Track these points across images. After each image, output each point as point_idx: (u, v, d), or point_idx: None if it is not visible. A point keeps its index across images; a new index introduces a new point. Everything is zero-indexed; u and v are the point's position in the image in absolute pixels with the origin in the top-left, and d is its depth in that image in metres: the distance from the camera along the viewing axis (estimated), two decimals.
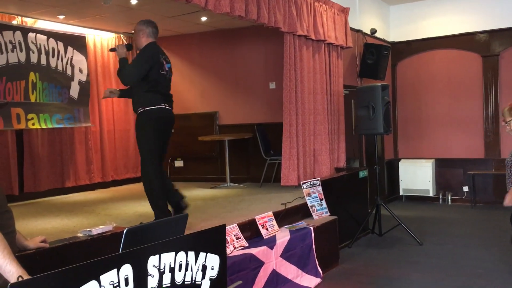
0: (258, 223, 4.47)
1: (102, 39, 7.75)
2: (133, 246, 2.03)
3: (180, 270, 2.16)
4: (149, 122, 4.26)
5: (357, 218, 6.38)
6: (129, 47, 4.69)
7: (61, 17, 6.60)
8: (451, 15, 8.80)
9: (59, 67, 6.79)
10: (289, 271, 4.48)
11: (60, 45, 6.81)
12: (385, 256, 5.66)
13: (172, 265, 2.12)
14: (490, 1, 8.43)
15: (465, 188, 8.66)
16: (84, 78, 7.14)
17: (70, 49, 6.94)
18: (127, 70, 4.33)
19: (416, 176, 8.92)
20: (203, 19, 6.99)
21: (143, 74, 4.21)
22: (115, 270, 1.88)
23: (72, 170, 7.16)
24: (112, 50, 4.84)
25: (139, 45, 4.40)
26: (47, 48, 6.61)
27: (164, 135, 4.38)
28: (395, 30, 9.34)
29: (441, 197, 8.92)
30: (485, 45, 8.53)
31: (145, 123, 4.28)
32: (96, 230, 3.42)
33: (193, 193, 6.68)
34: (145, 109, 4.28)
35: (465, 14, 8.68)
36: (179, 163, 8.23)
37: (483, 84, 8.57)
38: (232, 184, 7.19)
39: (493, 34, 8.44)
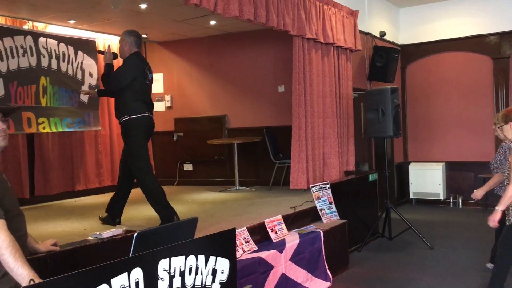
0: (267, 226, 4.46)
1: (112, 44, 7.79)
2: (143, 250, 2.04)
3: (190, 274, 2.16)
4: (137, 129, 4.44)
5: (367, 222, 6.35)
6: (115, 55, 4.85)
7: (72, 21, 6.65)
8: (461, 17, 8.75)
9: (70, 71, 6.84)
10: (299, 275, 4.47)
11: (71, 50, 6.86)
12: (395, 260, 5.62)
13: (182, 269, 2.13)
14: (500, 3, 8.37)
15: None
16: (94, 82, 7.18)
17: (80, 53, 6.99)
18: (112, 77, 4.58)
19: (426, 179, 8.85)
20: (212, 23, 7.01)
21: (125, 84, 4.43)
22: (126, 273, 1.88)
23: (82, 173, 7.20)
24: (100, 52, 5.01)
25: (122, 55, 4.63)
26: (57, 52, 6.66)
27: (147, 141, 4.68)
28: (404, 32, 9.30)
29: (451, 200, 8.84)
30: (495, 47, 8.47)
31: (133, 131, 4.45)
32: (106, 234, 3.44)
33: (202, 197, 6.69)
34: (131, 117, 4.43)
35: (475, 16, 8.62)
36: (188, 167, 8.25)
37: (493, 87, 8.50)
38: (241, 187, 7.19)
39: (503, 36, 8.37)
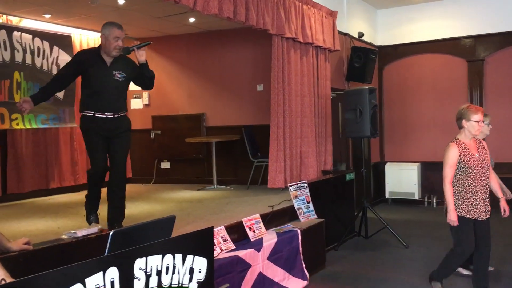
0: (245, 225, 4.46)
1: (88, 39, 7.68)
2: (119, 249, 2.01)
3: (167, 273, 2.14)
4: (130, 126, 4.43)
5: (344, 221, 6.40)
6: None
7: (47, 16, 6.52)
8: (437, 20, 8.89)
9: (44, 67, 6.71)
10: (276, 273, 4.47)
11: (46, 45, 6.73)
12: (371, 258, 5.68)
13: (159, 268, 2.10)
14: (475, 6, 8.54)
15: None
16: None
17: (55, 48, 6.87)
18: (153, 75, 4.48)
19: (402, 179, 8.98)
20: (191, 20, 6.96)
21: None
22: (101, 273, 1.85)
23: (57, 171, 7.07)
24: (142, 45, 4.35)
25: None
26: (32, 47, 6.53)
27: None
28: (382, 34, 9.41)
29: (426, 200, 8.99)
30: (470, 50, 8.64)
31: (130, 127, 4.41)
32: (81, 232, 3.38)
33: (179, 195, 6.65)
34: (126, 113, 4.40)
35: (451, 19, 8.78)
36: (165, 165, 8.18)
37: (468, 89, 8.67)
38: (219, 186, 7.17)
39: (478, 39, 8.54)
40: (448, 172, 4.09)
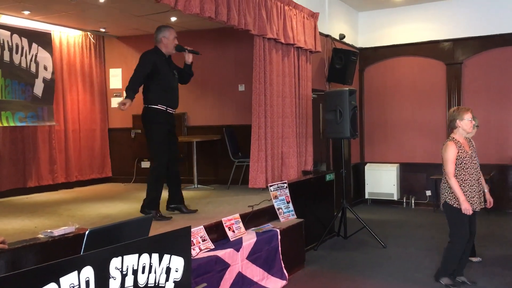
0: (224, 225, 4.46)
1: (68, 37, 7.60)
2: (95, 248, 2.00)
3: (143, 272, 2.14)
4: None
5: (323, 221, 6.45)
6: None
7: (26, 12, 6.42)
8: (417, 23, 9.02)
9: (23, 64, 6.61)
10: (255, 273, 4.49)
11: (25, 42, 6.63)
12: (349, 258, 5.73)
13: (135, 267, 2.10)
14: (454, 10, 8.68)
15: (428, 192, 8.88)
16: (49, 76, 6.97)
17: (34, 45, 6.77)
18: None
19: (381, 180, 9.09)
20: (173, 19, 6.93)
21: None
22: (76, 272, 1.84)
23: (34, 169, 6.98)
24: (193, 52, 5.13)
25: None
26: (10, 44, 6.42)
27: None
28: (363, 36, 9.50)
29: (405, 200, 9.11)
30: (449, 53, 8.78)
31: None
32: (57, 231, 3.34)
33: None
34: None
35: (430, 23, 8.91)
36: (146, 164, 8.12)
37: (446, 91, 8.81)
38: (199, 185, 7.15)
39: (457, 42, 8.69)
40: (451, 168, 4.41)
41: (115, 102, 8.32)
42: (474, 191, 4.44)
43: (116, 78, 8.30)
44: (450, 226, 4.54)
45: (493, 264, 5.29)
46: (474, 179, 4.45)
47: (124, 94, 4.68)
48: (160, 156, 4.77)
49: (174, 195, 5.04)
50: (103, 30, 7.73)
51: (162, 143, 4.76)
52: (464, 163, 4.42)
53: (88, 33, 7.87)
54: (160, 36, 4.89)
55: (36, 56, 6.79)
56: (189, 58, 5.09)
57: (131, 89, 4.64)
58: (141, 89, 4.82)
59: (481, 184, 4.60)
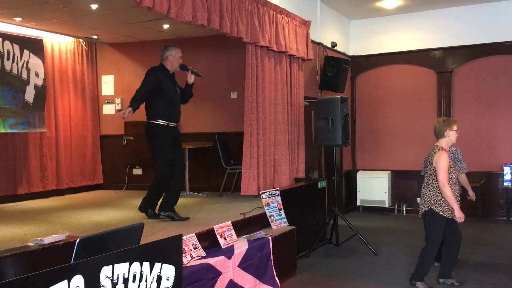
0: (216, 232, 4.45)
1: (60, 43, 7.58)
2: (86, 256, 1.99)
3: (134, 281, 2.13)
4: None
5: (315, 228, 6.45)
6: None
7: (18, 19, 6.40)
8: (408, 31, 9.10)
9: (14, 71, 6.59)
10: (247, 281, 4.48)
11: (16, 48, 6.61)
12: (341, 266, 5.74)
13: (126, 276, 2.09)
14: (444, 20, 8.78)
15: (419, 200, 8.88)
16: (40, 83, 6.95)
17: (26, 52, 6.75)
18: None
19: (373, 187, 9.12)
20: (166, 26, 6.94)
21: None
22: (66, 281, 1.83)
23: (25, 176, 6.93)
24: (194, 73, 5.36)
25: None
26: (1, 50, 6.40)
27: None
28: (355, 44, 9.57)
29: (396, 208, 9.14)
30: (439, 61, 8.86)
31: None
32: (48, 239, 3.31)
33: None
34: None
35: (421, 32, 9.00)
36: (137, 171, 8.10)
37: (437, 99, 8.89)
38: (191, 192, 7.14)
39: (447, 51, 8.78)
40: (445, 177, 4.53)
41: (107, 109, 8.30)
42: (456, 197, 4.63)
43: (108, 85, 8.28)
44: (429, 232, 4.73)
45: (477, 267, 5.43)
46: (456, 188, 4.65)
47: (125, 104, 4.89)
48: (163, 168, 5.02)
49: (169, 199, 5.18)
50: (95, 37, 7.72)
51: (165, 155, 5.01)
52: (450, 172, 4.60)
53: (80, 39, 7.86)
54: (167, 54, 5.15)
55: (27, 62, 6.77)
56: (191, 78, 5.28)
57: (137, 100, 4.93)
58: (144, 103, 5.16)
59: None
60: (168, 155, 5.02)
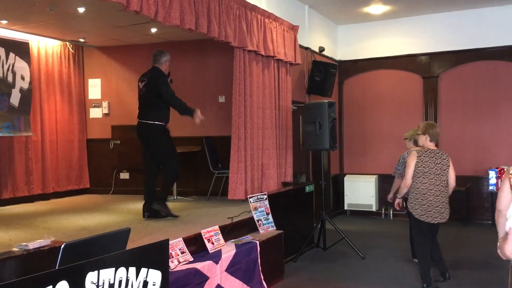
0: (204, 237, 4.44)
1: (47, 46, 7.52)
2: (71, 262, 1.97)
3: (120, 286, 2.11)
4: None
5: (303, 232, 6.46)
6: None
7: (4, 22, 6.34)
8: (395, 37, 9.19)
9: (0, 74, 6.52)
10: (234, 285, 4.47)
11: (1, 51, 6.55)
12: (329, 270, 5.75)
13: (112, 281, 2.07)
14: (431, 25, 8.88)
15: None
16: (26, 86, 6.89)
17: (12, 55, 6.69)
18: None
19: (360, 191, 9.16)
20: (153, 30, 6.93)
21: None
22: (51, 287, 1.81)
23: (10, 181, 6.84)
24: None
25: None
26: None
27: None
28: (342, 49, 9.63)
29: (383, 212, 9.20)
30: (426, 67, 8.96)
31: None
32: (33, 245, 3.27)
33: (138, 206, 6.52)
34: None
35: (408, 37, 9.09)
36: (124, 175, 8.05)
37: (423, 104, 8.97)
38: (179, 197, 7.11)
39: (433, 56, 8.87)
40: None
41: (93, 112, 8.25)
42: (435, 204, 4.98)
43: (95, 89, 8.23)
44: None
45: (458, 268, 5.51)
46: (432, 189, 4.99)
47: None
48: (173, 161, 5.44)
49: (153, 190, 5.55)
50: (82, 40, 7.67)
51: (170, 149, 5.48)
52: (419, 172, 4.96)
53: (67, 43, 7.80)
54: (164, 59, 5.46)
55: (13, 65, 6.70)
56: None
57: (183, 103, 5.46)
58: (145, 105, 5.46)
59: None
60: (173, 148, 5.49)
